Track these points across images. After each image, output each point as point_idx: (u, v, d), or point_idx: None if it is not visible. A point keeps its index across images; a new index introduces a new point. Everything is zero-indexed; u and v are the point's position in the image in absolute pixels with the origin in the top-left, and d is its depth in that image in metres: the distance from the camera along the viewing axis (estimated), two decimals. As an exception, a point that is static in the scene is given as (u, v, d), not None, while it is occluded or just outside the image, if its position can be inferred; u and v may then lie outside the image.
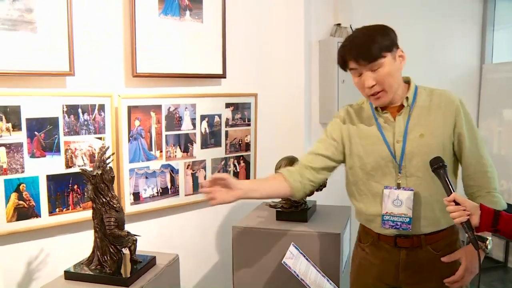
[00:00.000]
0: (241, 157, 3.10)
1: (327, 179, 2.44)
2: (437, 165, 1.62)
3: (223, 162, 3.00)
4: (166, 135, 2.70)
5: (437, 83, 3.82)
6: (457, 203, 1.52)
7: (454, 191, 1.57)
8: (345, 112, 2.04)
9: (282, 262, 1.90)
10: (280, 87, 3.28)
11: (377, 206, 1.86)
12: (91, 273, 1.86)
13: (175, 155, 2.76)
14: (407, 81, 1.88)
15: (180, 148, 2.78)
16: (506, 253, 4.13)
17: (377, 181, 1.87)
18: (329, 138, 2.02)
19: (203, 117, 2.86)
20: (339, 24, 3.46)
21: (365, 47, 1.72)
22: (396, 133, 1.82)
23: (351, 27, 3.50)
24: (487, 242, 1.69)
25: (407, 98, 1.82)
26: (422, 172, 1.77)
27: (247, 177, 3.13)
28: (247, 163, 3.14)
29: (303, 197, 2.20)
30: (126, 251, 1.96)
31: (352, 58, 1.76)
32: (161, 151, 2.69)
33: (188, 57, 2.73)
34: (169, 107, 2.70)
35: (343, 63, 1.84)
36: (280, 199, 2.49)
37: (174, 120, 2.73)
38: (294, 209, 2.45)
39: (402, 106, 1.84)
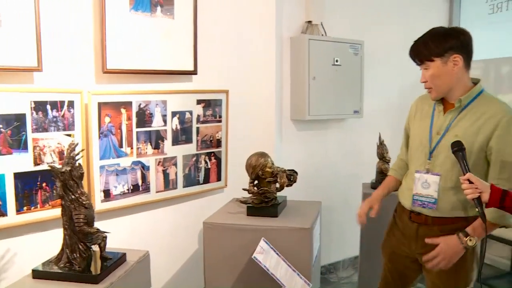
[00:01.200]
0: (212, 154, 3.11)
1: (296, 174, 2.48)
2: (457, 147, 1.83)
3: (194, 159, 3.00)
4: (137, 132, 2.69)
5: (411, 82, 3.83)
6: (470, 182, 1.72)
7: (469, 171, 1.77)
8: (418, 99, 2.29)
9: (253, 257, 1.92)
10: (252, 83, 3.30)
11: (408, 182, 2.18)
12: (60, 271, 1.85)
13: (146, 152, 2.75)
14: (476, 83, 2.05)
15: (151, 144, 2.77)
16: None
17: (414, 161, 2.16)
18: (406, 125, 2.34)
19: (174, 114, 2.85)
20: (310, 21, 3.49)
21: (416, 50, 2.02)
22: (440, 126, 2.05)
23: (322, 25, 3.54)
24: (469, 238, 1.90)
25: (460, 99, 1.99)
26: (445, 165, 2.00)
27: (218, 172, 3.15)
28: (218, 160, 3.15)
29: None
30: (96, 248, 1.95)
31: (411, 57, 2.05)
32: (131, 148, 2.68)
33: (159, 53, 2.72)
34: (140, 104, 2.68)
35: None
36: (251, 195, 2.51)
37: (145, 117, 2.72)
38: (264, 205, 2.48)
39: (454, 104, 2.03)
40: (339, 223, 3.99)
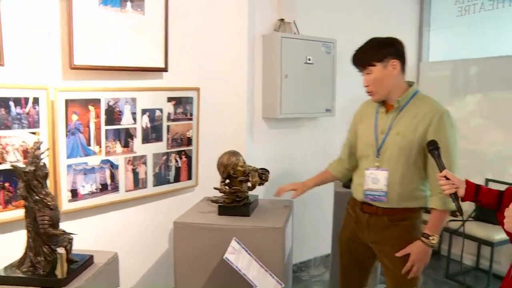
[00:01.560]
0: (183, 152, 3.06)
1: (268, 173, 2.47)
2: (432, 146, 1.94)
3: (164, 157, 2.95)
4: (105, 130, 2.62)
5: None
6: (447, 178, 1.82)
7: (445, 168, 1.87)
8: (363, 104, 2.49)
9: (224, 257, 1.89)
10: (223, 81, 3.26)
11: (359, 178, 2.34)
12: (22, 275, 1.77)
13: (115, 150, 2.69)
14: (411, 85, 2.26)
15: (120, 143, 2.71)
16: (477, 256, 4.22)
17: (363, 159, 2.33)
18: (350, 128, 2.51)
19: (144, 112, 2.80)
20: (282, 19, 3.47)
21: (359, 56, 2.22)
22: (383, 126, 2.24)
23: (294, 23, 3.53)
24: (431, 238, 2.14)
25: (398, 101, 2.20)
26: (392, 160, 2.20)
27: (189, 171, 3.10)
28: (189, 158, 3.10)
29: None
30: (62, 250, 1.88)
31: (353, 63, 2.25)
32: (100, 146, 2.61)
33: (129, 50, 2.66)
34: (109, 101, 2.62)
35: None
36: (222, 194, 2.48)
37: (114, 115, 2.65)
38: (236, 204, 2.45)
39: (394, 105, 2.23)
40: (311, 222, 3.99)
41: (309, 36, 3.56)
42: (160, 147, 2.93)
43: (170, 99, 2.93)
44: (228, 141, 3.28)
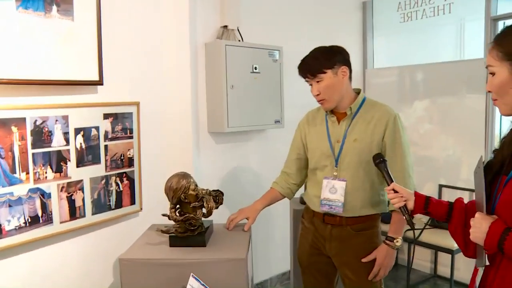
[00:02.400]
0: (124, 174, 2.74)
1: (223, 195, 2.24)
2: (378, 160, 1.91)
3: (103, 181, 2.62)
4: (33, 154, 2.27)
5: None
6: (395, 191, 1.78)
7: (393, 181, 1.83)
8: (306, 116, 2.48)
9: (185, 297, 1.61)
10: (165, 94, 2.98)
11: (317, 190, 2.28)
12: None
13: (46, 177, 2.34)
14: (358, 92, 2.29)
15: (51, 168, 2.36)
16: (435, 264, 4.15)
17: (320, 170, 2.29)
18: (295, 141, 2.48)
19: (77, 131, 2.47)
20: (226, 26, 3.25)
21: (309, 65, 2.20)
22: (338, 135, 2.24)
23: (238, 30, 3.32)
24: (395, 241, 2.19)
25: (350, 108, 2.22)
26: (351, 168, 2.20)
27: (132, 195, 2.78)
28: (131, 181, 2.79)
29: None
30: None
31: (302, 73, 2.24)
32: (27, 173, 2.26)
33: (57, 61, 2.33)
34: (36, 120, 2.27)
35: (300, 75, 2.27)
36: (174, 223, 2.18)
37: (42, 135, 2.31)
38: (190, 233, 2.14)
39: (346, 113, 2.24)
40: (264, 240, 3.77)
41: (254, 43, 3.36)
42: (98, 170, 2.59)
43: (106, 116, 2.61)
44: (173, 160, 3.01)
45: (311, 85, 2.23)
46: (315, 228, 2.33)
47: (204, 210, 2.17)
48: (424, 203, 1.74)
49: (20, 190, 2.23)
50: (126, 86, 2.74)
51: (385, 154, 2.15)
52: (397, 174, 2.08)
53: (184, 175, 2.17)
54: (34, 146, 2.27)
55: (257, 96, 3.37)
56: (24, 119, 2.22)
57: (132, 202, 2.81)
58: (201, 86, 3.24)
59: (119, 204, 2.72)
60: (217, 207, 2.31)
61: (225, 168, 3.46)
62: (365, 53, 4.60)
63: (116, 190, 2.71)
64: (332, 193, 2.21)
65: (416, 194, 1.77)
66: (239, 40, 3.34)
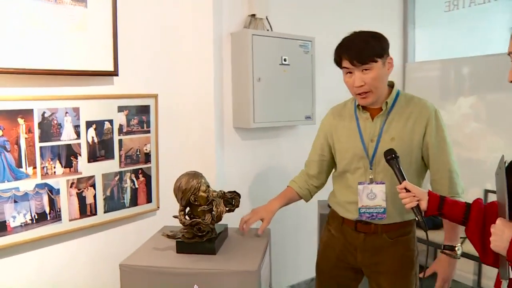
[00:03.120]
0: (140, 171, 2.60)
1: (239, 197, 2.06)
2: (389, 156, 1.76)
3: (117, 178, 2.49)
4: (40, 147, 2.15)
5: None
6: (407, 190, 1.67)
7: (405, 179, 1.71)
8: (330, 113, 2.24)
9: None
10: (185, 86, 2.81)
11: (348, 195, 2.06)
12: None
13: (54, 172, 2.22)
14: (391, 86, 2.03)
15: (60, 162, 2.24)
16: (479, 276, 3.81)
17: (351, 173, 2.05)
18: (318, 141, 2.25)
19: (89, 124, 2.34)
20: (253, 15, 3.04)
21: (360, 50, 1.86)
22: (372, 133, 1.98)
23: (267, 19, 3.11)
24: (456, 249, 1.95)
25: (386, 102, 1.96)
26: (389, 170, 1.86)
27: (148, 193, 2.64)
28: (148, 177, 2.64)
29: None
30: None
31: (347, 58, 1.88)
32: (34, 168, 2.14)
33: (68, 50, 2.20)
34: (44, 112, 2.15)
35: (338, 61, 1.95)
36: (182, 227, 2.00)
37: (51, 128, 2.19)
38: (198, 239, 1.96)
39: (381, 109, 1.98)
40: (292, 245, 3.56)
41: (284, 33, 3.13)
42: (112, 165, 2.46)
43: (121, 108, 2.47)
44: (194, 156, 2.85)
45: (349, 73, 1.92)
46: (345, 237, 2.10)
47: (213, 214, 1.98)
48: (438, 203, 1.64)
49: (26, 186, 2.12)
50: (143, 77, 2.59)
51: (427, 154, 1.97)
52: (446, 174, 1.94)
53: (195, 175, 1.99)
54: (42, 139, 2.16)
55: (286, 90, 3.15)
56: (31, 111, 2.11)
57: (149, 200, 2.66)
58: (227, 79, 3.05)
59: (134, 202, 2.58)
60: (232, 210, 2.13)
61: (251, 166, 3.26)
62: (406, 45, 4.26)
63: (131, 187, 2.57)
64: (371, 199, 1.98)
65: (430, 193, 1.68)
66: (268, 30, 3.13)
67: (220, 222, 2.08)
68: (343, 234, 2.11)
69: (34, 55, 2.08)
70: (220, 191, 2.07)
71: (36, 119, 2.13)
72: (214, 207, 1.90)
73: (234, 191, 2.14)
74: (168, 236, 1.93)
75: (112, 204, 2.48)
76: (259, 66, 2.96)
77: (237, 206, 2.13)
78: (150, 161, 2.64)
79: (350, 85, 1.94)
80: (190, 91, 2.82)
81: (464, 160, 3.64)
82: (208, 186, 2.00)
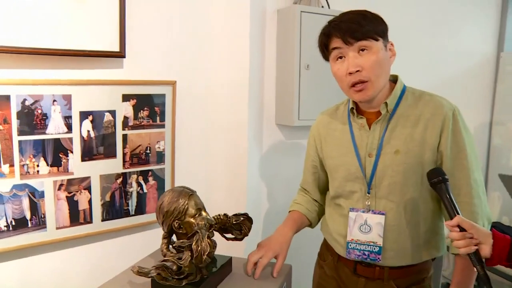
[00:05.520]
0: (150, 173, 2.17)
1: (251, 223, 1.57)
2: (437, 178, 1.35)
3: (120, 180, 2.08)
4: (19, 141, 1.79)
5: (446, 74, 2.86)
6: (462, 229, 1.26)
7: (459, 213, 1.29)
8: (318, 120, 1.82)
9: None
10: (211, 72, 2.33)
11: (340, 226, 1.65)
12: None
13: (37, 171, 1.85)
14: (394, 81, 1.59)
15: (45, 160, 1.86)
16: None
17: (345, 199, 1.64)
18: (308, 158, 1.84)
19: (84, 115, 1.94)
20: (307, -12, 2.48)
21: (356, 22, 1.44)
22: (370, 145, 1.56)
23: (321, -8, 2.54)
24: None
25: (386, 103, 1.53)
26: (394, 195, 1.53)
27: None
28: (160, 181, 2.21)
29: None
30: None
31: (339, 33, 1.46)
32: (11, 165, 1.79)
33: (61, 25, 1.80)
34: (25, 99, 1.78)
35: (325, 41, 1.53)
36: (163, 258, 1.52)
37: (33, 119, 1.81)
38: (175, 283, 1.40)
39: (380, 112, 1.55)
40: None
41: (339, 11, 2.53)
42: (113, 165, 2.05)
43: (127, 97, 2.04)
44: (221, 157, 2.38)
45: (340, 58, 1.49)
46: (341, 278, 1.68)
47: (191, 253, 1.39)
48: (509, 249, 1.24)
49: (1, 186, 1.77)
50: (157, 60, 2.14)
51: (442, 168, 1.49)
52: (463, 199, 1.48)
53: (182, 193, 1.50)
54: (21, 132, 1.79)
55: (341, 81, 2.57)
56: (7, 97, 1.74)
57: (161, 207, 2.24)
58: (270, 66, 2.53)
59: (140, 210, 2.17)
60: (240, 239, 1.64)
61: (296, 169, 2.73)
62: (502, 32, 3.52)
63: (138, 192, 2.15)
64: (364, 232, 1.56)
65: (496, 234, 1.27)
66: (322, 6, 2.55)
67: (225, 253, 1.59)
68: (338, 274, 1.70)
69: (16, 30, 1.70)
70: (220, 215, 1.58)
71: (14, 107, 1.76)
72: (193, 243, 1.37)
73: (244, 214, 1.63)
74: (139, 273, 1.43)
75: (113, 211, 2.08)
76: (308, 51, 2.39)
77: (246, 235, 1.63)
78: (163, 162, 2.21)
79: (341, 74, 1.50)
80: (217, 79, 2.34)
81: None
82: (201, 209, 1.50)
